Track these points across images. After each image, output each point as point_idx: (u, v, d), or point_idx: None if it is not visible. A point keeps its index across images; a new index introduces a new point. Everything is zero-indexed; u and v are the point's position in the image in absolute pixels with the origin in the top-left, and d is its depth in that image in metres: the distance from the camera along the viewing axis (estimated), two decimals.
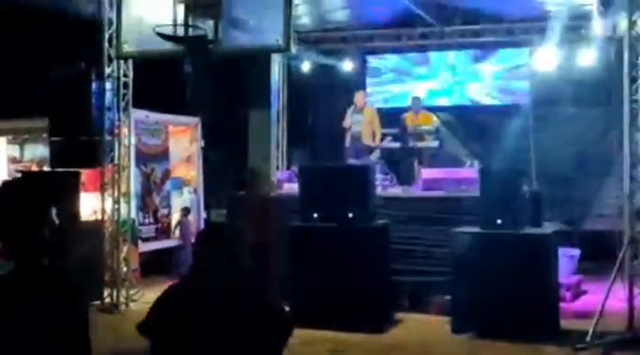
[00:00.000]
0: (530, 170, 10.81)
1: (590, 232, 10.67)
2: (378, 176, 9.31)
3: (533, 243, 7.20)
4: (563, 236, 9.01)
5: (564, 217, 11.09)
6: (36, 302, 2.68)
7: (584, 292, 9.06)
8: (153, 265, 10.24)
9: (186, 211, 11.10)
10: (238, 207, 8.59)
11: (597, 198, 11.40)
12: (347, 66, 12.89)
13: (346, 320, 7.40)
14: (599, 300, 7.05)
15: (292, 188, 9.01)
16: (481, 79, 13.10)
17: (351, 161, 10.57)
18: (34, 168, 11.07)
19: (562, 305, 7.69)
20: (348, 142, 11.20)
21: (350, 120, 11.11)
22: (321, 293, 7.62)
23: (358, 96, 11.23)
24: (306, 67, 12.73)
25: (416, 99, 11.59)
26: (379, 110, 11.56)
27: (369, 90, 13.17)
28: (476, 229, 7.37)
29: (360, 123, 11.03)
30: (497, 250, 7.14)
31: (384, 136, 10.93)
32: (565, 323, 7.33)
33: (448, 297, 7.76)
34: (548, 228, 7.72)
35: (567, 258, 9.00)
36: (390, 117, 11.42)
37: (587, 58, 11.07)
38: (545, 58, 11.40)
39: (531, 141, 11.52)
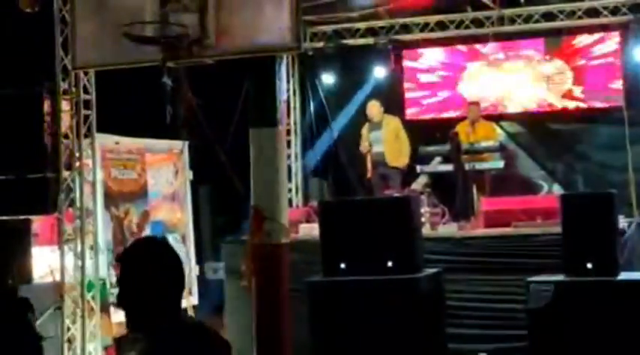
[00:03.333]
0: (629, 195, 10.75)
1: None
2: (425, 210, 9.31)
3: (637, 292, 7.13)
4: None
5: None
6: None
7: None
8: None
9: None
10: (240, 258, 8.61)
11: None
12: (378, 67, 12.95)
13: None
14: None
15: (311, 230, 9.06)
16: (558, 77, 13.06)
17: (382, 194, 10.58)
18: None
19: None
20: (369, 172, 11.23)
21: (367, 141, 11.15)
22: None
23: (371, 108, 11.33)
24: (324, 70, 12.82)
25: (473, 105, 11.63)
26: (423, 122, 11.59)
27: (407, 96, 13.24)
28: (559, 277, 7.33)
29: (382, 140, 11.07)
30: (588, 304, 7.08)
31: (418, 156, 10.89)
32: None
33: None
34: None
35: None
36: (438, 130, 11.45)
37: None
38: None
39: (629, 156, 11.46)
